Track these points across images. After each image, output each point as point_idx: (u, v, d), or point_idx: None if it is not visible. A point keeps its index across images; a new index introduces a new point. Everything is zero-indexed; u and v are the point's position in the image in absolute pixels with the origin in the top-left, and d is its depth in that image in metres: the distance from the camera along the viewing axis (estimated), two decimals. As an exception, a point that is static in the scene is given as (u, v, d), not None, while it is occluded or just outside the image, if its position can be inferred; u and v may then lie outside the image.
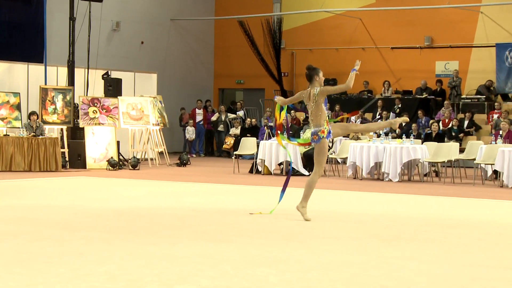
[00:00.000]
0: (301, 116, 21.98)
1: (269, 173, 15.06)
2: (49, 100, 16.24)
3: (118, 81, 17.46)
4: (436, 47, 22.31)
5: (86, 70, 17.35)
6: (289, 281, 4.95)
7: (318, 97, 7.92)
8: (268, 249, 6.17)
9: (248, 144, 16.30)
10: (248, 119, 21.91)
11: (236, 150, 16.73)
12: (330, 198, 10.92)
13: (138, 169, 15.89)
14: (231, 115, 22.55)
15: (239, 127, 21.49)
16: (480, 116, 20.23)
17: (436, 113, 20.58)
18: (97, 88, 17.59)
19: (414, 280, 5.08)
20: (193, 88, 24.80)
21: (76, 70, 17.08)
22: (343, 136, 18.34)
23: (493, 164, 13.49)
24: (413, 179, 14.59)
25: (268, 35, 23.69)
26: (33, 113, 15.64)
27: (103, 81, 17.41)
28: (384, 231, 7.35)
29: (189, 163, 17.60)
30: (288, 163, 15.03)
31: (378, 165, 14.43)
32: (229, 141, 21.01)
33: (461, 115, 20.10)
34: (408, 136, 15.28)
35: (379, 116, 20.63)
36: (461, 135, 18.92)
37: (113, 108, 16.55)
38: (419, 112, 20.10)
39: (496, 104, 20.20)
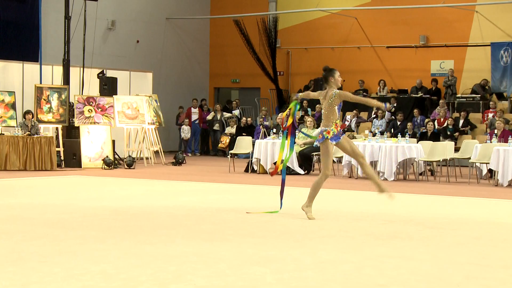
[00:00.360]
0: (296, 115, 21.96)
1: (265, 172, 15.06)
2: (44, 99, 16.21)
3: (114, 80, 17.44)
4: (432, 46, 22.34)
5: (82, 69, 17.32)
6: (285, 280, 4.95)
7: (334, 99, 7.94)
8: (263, 248, 6.17)
9: (243, 143, 16.30)
10: (244, 118, 21.90)
11: (232, 149, 16.73)
12: (325, 197, 10.91)
13: (134, 168, 15.88)
14: (227, 114, 22.54)
15: (235, 126, 21.49)
16: (475, 115, 20.27)
17: (432, 112, 20.62)
18: (93, 87, 17.57)
19: (410, 278, 5.08)
20: (188, 87, 24.78)
21: (71, 69, 17.06)
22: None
23: (488, 163, 13.51)
24: (409, 178, 14.61)
25: (263, 34, 23.67)
26: (28, 112, 15.61)
27: (98, 80, 17.39)
28: (379, 230, 7.36)
29: (184, 162, 17.59)
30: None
31: (373, 164, 14.44)
32: (225, 140, 21.01)
33: (456, 114, 20.14)
34: (403, 135, 15.30)
35: (374, 115, 20.65)
36: (456, 134, 18.96)
37: (108, 107, 16.53)
38: (415, 111, 20.13)
39: (491, 103, 20.23)
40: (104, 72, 17.63)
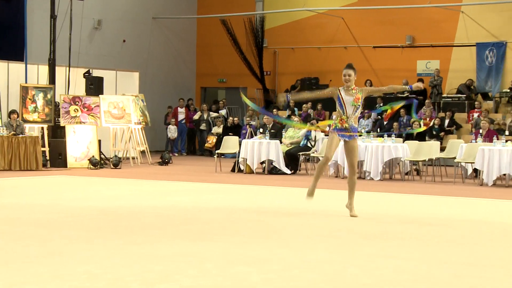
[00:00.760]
0: (283, 114, 21.99)
1: (251, 172, 15.06)
2: (29, 99, 16.13)
3: (100, 80, 17.37)
4: (418, 46, 22.43)
5: (67, 68, 17.24)
6: (271, 279, 4.95)
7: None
8: (250, 247, 6.17)
9: (230, 143, 16.30)
10: (230, 118, 21.89)
11: (218, 148, 16.72)
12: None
13: (120, 168, 15.83)
14: (213, 114, 22.52)
15: (221, 126, 21.47)
16: (461, 115, 20.38)
17: (418, 112, 20.69)
18: (79, 87, 17.49)
19: (396, 278, 5.10)
20: (175, 86, 24.74)
21: (57, 68, 16.97)
22: (325, 135, 18.39)
23: (473, 162, 13.58)
24: (395, 178, 14.66)
25: (250, 34, 23.68)
26: (13, 111, 15.53)
27: (84, 79, 17.32)
28: (365, 229, 7.37)
29: (171, 162, 17.56)
30: (271, 162, 15.04)
31: (359, 163, 14.47)
32: (211, 139, 20.99)
33: (442, 114, 20.23)
34: (389, 135, 15.35)
35: (361, 115, 20.66)
36: (442, 134, 19.04)
37: (94, 106, 16.47)
38: (401, 111, 20.19)
39: (476, 103, 20.35)
40: (90, 72, 17.56)
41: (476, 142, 14.51)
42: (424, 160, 14.31)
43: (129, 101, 17.18)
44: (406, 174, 14.77)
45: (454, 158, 14.42)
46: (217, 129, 21.49)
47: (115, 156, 16.23)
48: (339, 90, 8.28)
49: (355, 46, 23.15)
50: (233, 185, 12.45)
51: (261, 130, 16.23)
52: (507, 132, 18.11)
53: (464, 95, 20.84)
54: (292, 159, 15.29)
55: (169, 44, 24.64)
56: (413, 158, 14.41)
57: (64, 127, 16.15)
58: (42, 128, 16.38)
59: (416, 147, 14.61)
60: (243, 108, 24.29)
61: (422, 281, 5.01)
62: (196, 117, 22.38)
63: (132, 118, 17.10)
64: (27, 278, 4.85)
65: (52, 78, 16.81)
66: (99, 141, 16.34)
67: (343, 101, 8.17)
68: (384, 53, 22.81)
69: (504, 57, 21.18)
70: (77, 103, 16.31)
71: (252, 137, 16.59)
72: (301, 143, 15.44)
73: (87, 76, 17.31)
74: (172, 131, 21.92)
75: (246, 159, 15.13)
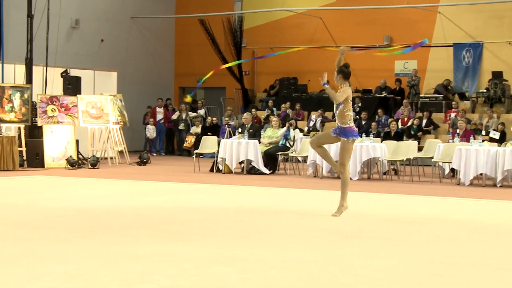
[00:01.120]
0: (261, 114, 22.02)
1: (230, 172, 15.05)
2: (6, 98, 15.97)
3: (78, 79, 17.26)
4: (395, 46, 22.53)
5: (45, 68, 17.11)
6: (250, 279, 4.95)
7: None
8: (229, 247, 6.17)
9: (208, 143, 16.27)
10: (209, 118, 21.87)
11: (197, 148, 16.69)
12: (290, 197, 10.96)
13: (98, 168, 15.74)
14: (192, 114, 22.48)
15: (200, 126, 21.44)
16: (438, 115, 20.53)
17: (395, 112, 20.82)
18: (56, 86, 17.36)
19: (375, 277, 5.12)
20: (153, 86, 24.65)
21: (34, 68, 16.83)
22: (304, 135, 18.44)
23: (451, 162, 13.69)
24: (373, 178, 14.73)
25: (229, 34, 23.68)
26: (-11, 111, 15.38)
27: (62, 79, 17.19)
28: (344, 229, 7.40)
29: (149, 162, 17.49)
30: (249, 162, 15.04)
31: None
32: (190, 139, 20.94)
33: (419, 114, 20.36)
34: (367, 135, 15.42)
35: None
36: (420, 133, 19.17)
37: (72, 106, 16.36)
38: (379, 111, 20.31)
39: (453, 103, 20.52)
40: (68, 71, 17.44)
41: (453, 142, 14.61)
42: (402, 160, 14.39)
43: (107, 100, 17.09)
44: (384, 173, 14.84)
45: (432, 158, 14.52)
46: (196, 129, 21.45)
47: (93, 156, 16.13)
48: None
49: (334, 46, 23.21)
50: (212, 185, 12.44)
51: (239, 130, 16.22)
52: (483, 132, 18.27)
53: (442, 95, 21.00)
54: (271, 159, 15.31)
55: (147, 43, 24.55)
56: (391, 158, 14.48)
57: (41, 127, 16.03)
58: (19, 128, 16.23)
59: (394, 147, 14.70)
60: (222, 108, 24.27)
61: (400, 280, 5.04)
62: (174, 117, 22.32)
63: (110, 118, 17.01)
64: (3, 278, 4.81)
65: (29, 78, 16.68)
66: (77, 141, 16.24)
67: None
68: (362, 53, 22.89)
69: (480, 57, 21.38)
70: (54, 102, 16.19)
71: (230, 137, 16.57)
72: (280, 143, 15.46)
73: (65, 75, 17.19)
74: (151, 131, 21.84)
75: (225, 159, 15.11)
